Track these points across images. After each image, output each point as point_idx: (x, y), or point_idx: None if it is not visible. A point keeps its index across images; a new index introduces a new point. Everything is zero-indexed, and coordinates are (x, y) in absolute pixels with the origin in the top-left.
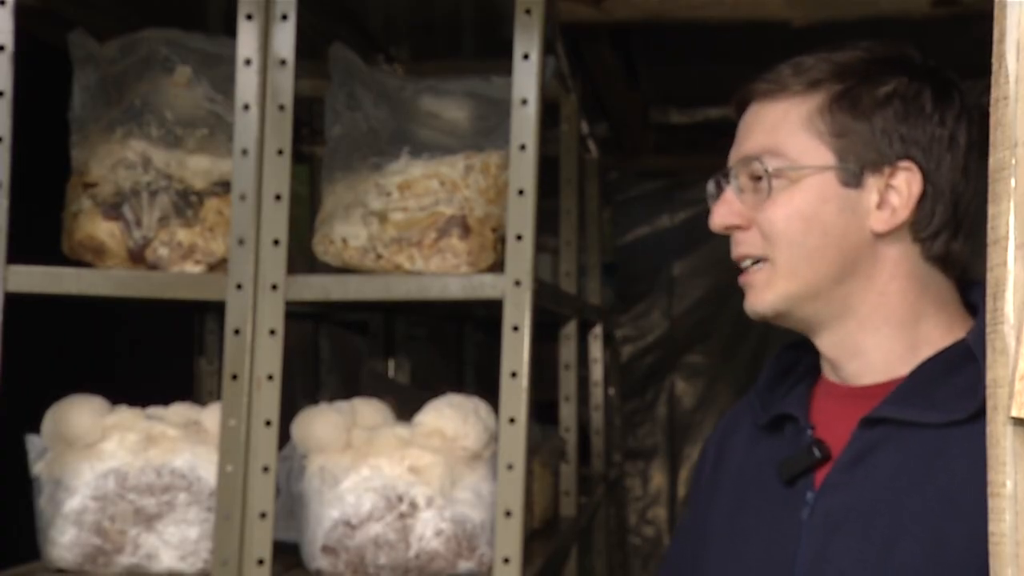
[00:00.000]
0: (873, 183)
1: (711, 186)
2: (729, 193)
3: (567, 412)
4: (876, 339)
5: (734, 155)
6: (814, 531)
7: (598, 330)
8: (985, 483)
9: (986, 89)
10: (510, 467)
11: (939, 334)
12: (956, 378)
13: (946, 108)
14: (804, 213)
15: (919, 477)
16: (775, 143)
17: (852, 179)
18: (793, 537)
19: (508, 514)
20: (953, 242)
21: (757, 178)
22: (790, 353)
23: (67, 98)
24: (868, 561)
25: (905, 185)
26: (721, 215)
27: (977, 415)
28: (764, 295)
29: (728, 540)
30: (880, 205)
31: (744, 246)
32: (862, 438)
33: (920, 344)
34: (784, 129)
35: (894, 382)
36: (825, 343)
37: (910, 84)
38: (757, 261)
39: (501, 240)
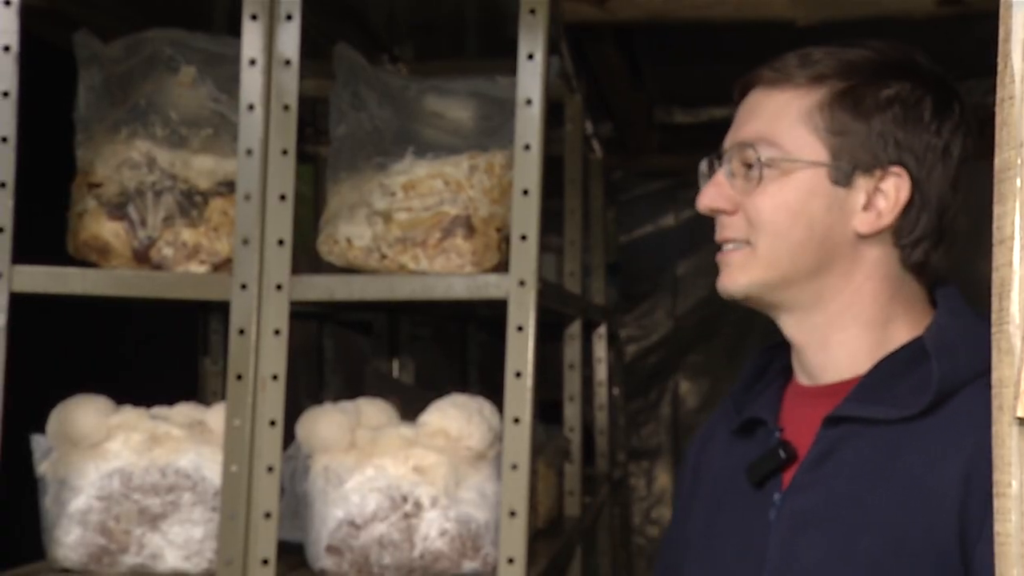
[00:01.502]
0: (862, 184)
1: (703, 166)
2: (720, 176)
3: (571, 412)
4: (843, 336)
5: (730, 138)
6: (780, 531)
7: (602, 330)
8: (937, 476)
9: (991, 89)
10: (514, 467)
11: (905, 335)
12: (912, 375)
13: (944, 119)
14: (791, 206)
15: (879, 473)
16: (772, 132)
17: (843, 178)
18: (762, 538)
19: (512, 514)
20: (933, 252)
21: (749, 165)
22: (764, 356)
23: (72, 98)
24: (832, 557)
25: (893, 190)
26: (709, 197)
27: (929, 409)
28: (739, 277)
29: (704, 544)
30: (866, 207)
31: (729, 230)
32: (825, 437)
33: (887, 343)
34: (783, 120)
35: (856, 380)
36: (792, 329)
37: (913, 90)
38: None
39: (505, 240)
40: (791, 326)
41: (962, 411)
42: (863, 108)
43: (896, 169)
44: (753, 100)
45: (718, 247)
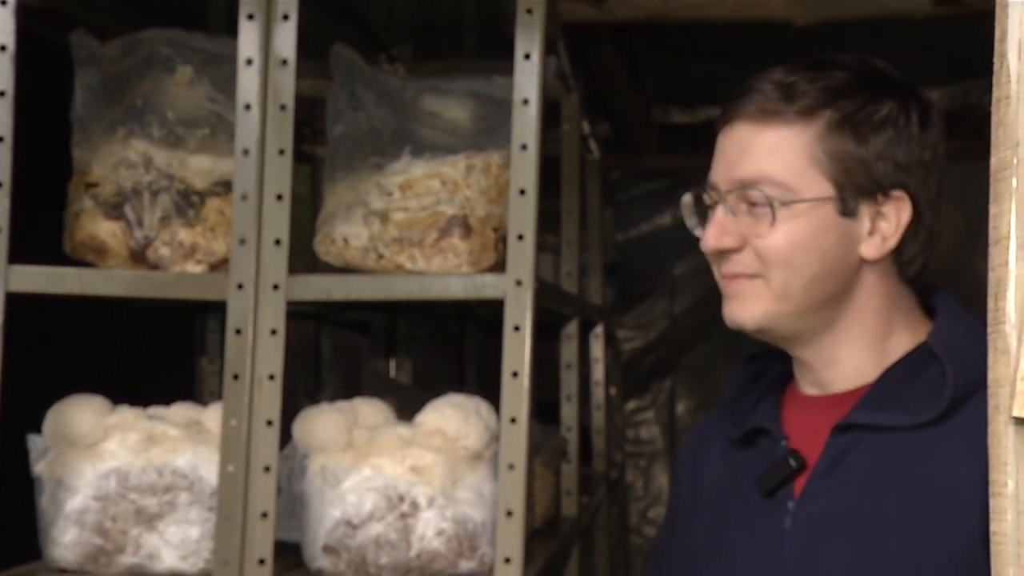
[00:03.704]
0: (866, 211)
1: (689, 199)
2: (720, 214)
3: (568, 412)
4: (850, 351)
5: (724, 175)
6: (797, 538)
7: (599, 330)
8: (956, 481)
9: (988, 89)
10: (511, 467)
11: (907, 342)
12: (921, 380)
13: (929, 130)
14: (805, 243)
15: (894, 479)
16: (774, 171)
17: (849, 209)
18: (777, 546)
19: (509, 514)
20: (928, 260)
21: (752, 203)
22: (752, 364)
23: (69, 98)
24: (852, 564)
25: (895, 213)
26: (716, 237)
27: (944, 415)
28: (752, 310)
29: (713, 555)
30: (871, 231)
31: (739, 266)
32: (836, 444)
33: (891, 353)
34: (783, 158)
35: (864, 388)
36: (800, 350)
37: (900, 108)
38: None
39: (502, 240)
40: (798, 349)
41: (975, 415)
42: (861, 133)
43: (897, 192)
44: (741, 135)
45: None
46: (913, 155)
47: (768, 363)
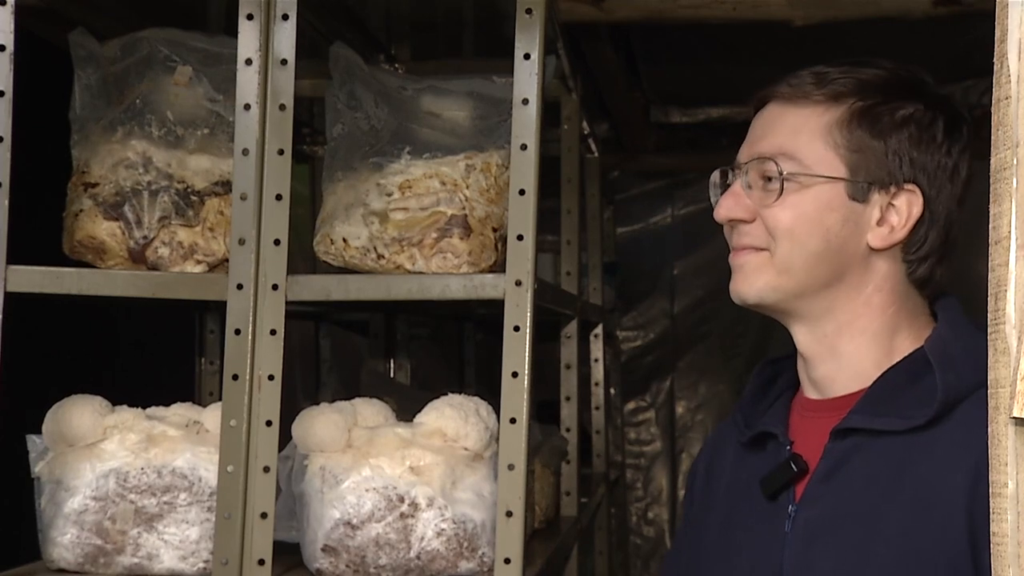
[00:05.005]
0: (877, 200)
1: (716, 176)
2: (737, 186)
3: (568, 412)
4: (852, 346)
5: (747, 151)
6: (795, 542)
7: (599, 330)
8: (944, 487)
9: (987, 89)
10: (511, 467)
11: (909, 346)
12: (916, 385)
13: (954, 140)
14: (811, 218)
15: (889, 483)
16: (792, 147)
17: (859, 193)
18: (778, 549)
19: (509, 514)
20: (938, 267)
21: (768, 177)
22: (770, 367)
23: (68, 97)
24: (845, 567)
25: (906, 206)
26: (728, 207)
27: (934, 420)
28: (755, 282)
29: (720, 555)
30: (880, 222)
31: (748, 238)
32: (834, 450)
33: (891, 355)
34: (803, 135)
35: (862, 392)
36: (803, 338)
37: (926, 111)
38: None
39: (502, 240)
40: (802, 335)
41: (966, 421)
42: (880, 127)
43: (910, 187)
44: (770, 115)
45: (730, 251)
46: (932, 159)
47: (782, 368)
